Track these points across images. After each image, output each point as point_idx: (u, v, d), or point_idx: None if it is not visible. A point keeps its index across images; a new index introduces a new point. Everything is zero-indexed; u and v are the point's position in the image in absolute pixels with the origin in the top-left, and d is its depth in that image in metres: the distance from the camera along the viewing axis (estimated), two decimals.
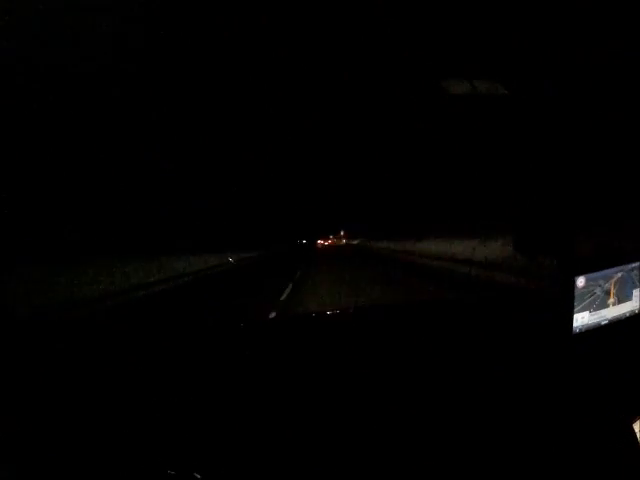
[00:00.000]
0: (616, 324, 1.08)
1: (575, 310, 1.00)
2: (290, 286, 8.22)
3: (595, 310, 1.04)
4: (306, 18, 4.86)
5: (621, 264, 1.05)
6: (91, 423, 0.80)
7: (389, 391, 0.89)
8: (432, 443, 0.75)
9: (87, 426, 0.79)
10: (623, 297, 1.08)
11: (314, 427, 0.79)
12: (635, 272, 1.09)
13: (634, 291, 1.09)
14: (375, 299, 5.51)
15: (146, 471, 0.68)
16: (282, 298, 6.62)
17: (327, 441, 0.75)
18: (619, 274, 1.05)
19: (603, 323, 1.06)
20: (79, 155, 7.05)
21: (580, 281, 1.00)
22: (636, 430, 0.88)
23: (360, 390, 0.91)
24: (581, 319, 1.02)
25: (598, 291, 1.03)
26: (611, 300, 1.06)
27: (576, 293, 1.00)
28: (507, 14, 3.72)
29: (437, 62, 4.80)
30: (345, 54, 5.56)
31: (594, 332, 1.04)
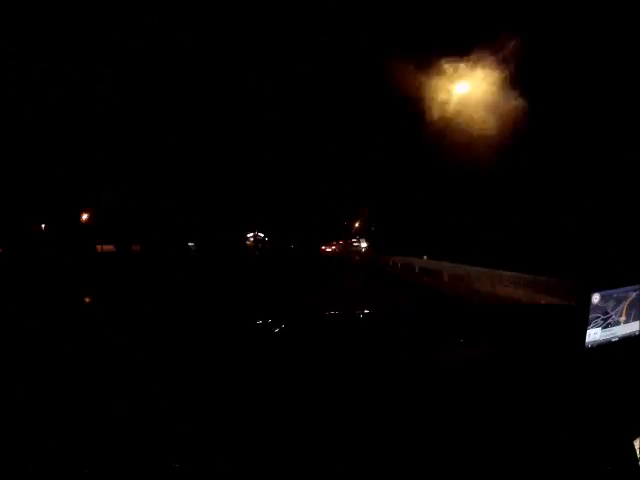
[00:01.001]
0: (625, 341, 1.10)
1: (588, 326, 1.02)
2: None
3: (607, 327, 1.06)
4: None
5: (631, 284, 1.07)
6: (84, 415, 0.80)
7: (396, 397, 0.90)
8: (438, 450, 0.76)
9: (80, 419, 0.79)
10: (634, 315, 1.10)
11: (312, 424, 0.80)
12: None
13: None
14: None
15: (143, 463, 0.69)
16: None
17: (326, 440, 0.75)
18: (633, 293, 1.07)
19: (613, 340, 1.08)
20: None
21: (595, 297, 1.01)
22: (636, 447, 0.90)
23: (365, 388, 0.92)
24: (593, 335, 1.04)
25: (611, 308, 1.05)
26: (622, 318, 1.08)
27: (591, 309, 1.01)
28: None
29: None
30: None
31: (604, 348, 1.06)
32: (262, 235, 56.52)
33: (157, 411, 0.84)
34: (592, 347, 1.04)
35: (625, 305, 1.08)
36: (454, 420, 0.83)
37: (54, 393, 0.92)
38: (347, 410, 0.83)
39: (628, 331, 1.10)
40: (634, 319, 1.10)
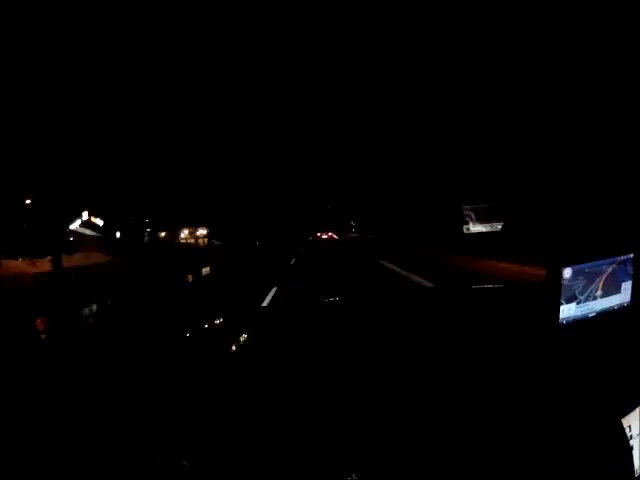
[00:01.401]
0: (605, 317, 1.07)
1: (561, 301, 1.00)
2: None
3: (583, 302, 1.03)
4: None
5: (611, 256, 1.04)
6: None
7: (373, 376, 0.90)
8: (413, 429, 0.75)
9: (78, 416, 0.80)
10: (611, 290, 1.07)
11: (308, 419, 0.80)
12: (627, 265, 1.08)
13: (623, 284, 1.08)
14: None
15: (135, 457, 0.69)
16: None
17: (324, 437, 0.75)
18: (609, 266, 1.05)
19: (590, 315, 1.05)
20: None
21: (567, 272, 0.99)
22: (625, 425, 0.88)
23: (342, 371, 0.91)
24: (567, 311, 1.02)
25: (586, 283, 1.03)
26: (599, 292, 1.05)
27: (563, 284, 0.99)
28: None
29: None
30: None
31: (581, 324, 1.04)
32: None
33: (158, 408, 0.85)
34: (567, 323, 1.02)
35: (602, 279, 1.05)
36: (430, 403, 0.82)
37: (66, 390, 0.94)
38: (347, 408, 0.83)
39: (606, 305, 1.07)
40: (613, 293, 1.08)
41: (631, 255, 1.07)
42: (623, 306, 1.10)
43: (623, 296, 1.09)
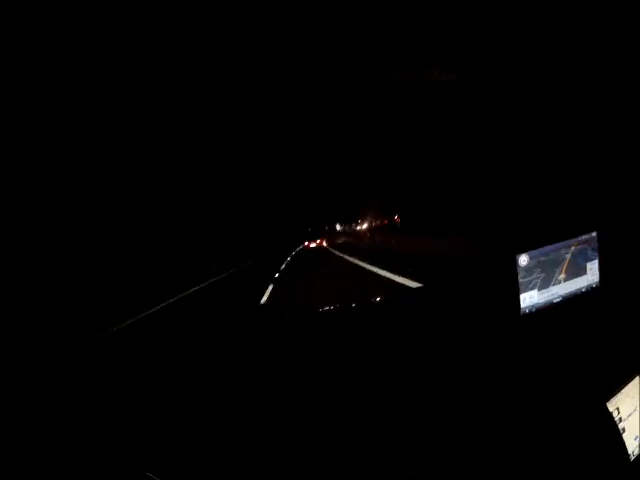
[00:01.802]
0: (572, 300, 1.03)
1: (521, 290, 0.96)
2: None
3: (545, 288, 0.99)
4: None
5: (568, 238, 1.00)
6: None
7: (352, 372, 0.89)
8: (394, 421, 0.74)
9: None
10: (576, 272, 1.02)
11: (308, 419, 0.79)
12: (591, 244, 1.03)
13: (588, 264, 1.03)
14: None
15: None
16: None
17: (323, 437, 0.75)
18: (570, 248, 1.00)
19: (556, 301, 1.01)
20: None
21: (523, 259, 0.96)
22: (610, 409, 0.84)
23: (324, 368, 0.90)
24: (529, 299, 0.98)
25: (545, 268, 0.99)
26: (562, 276, 1.01)
27: (519, 272, 0.96)
28: None
29: None
30: None
31: (547, 311, 1.00)
32: None
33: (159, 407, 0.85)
34: (530, 312, 0.98)
35: (565, 262, 1.01)
36: (403, 395, 0.81)
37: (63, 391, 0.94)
38: (347, 408, 0.82)
39: (572, 289, 1.03)
40: (578, 275, 1.03)
41: (594, 234, 1.03)
42: (592, 287, 1.05)
43: (590, 277, 1.04)
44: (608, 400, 0.83)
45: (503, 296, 0.98)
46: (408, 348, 0.99)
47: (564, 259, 1.01)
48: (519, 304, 0.96)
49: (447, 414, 0.77)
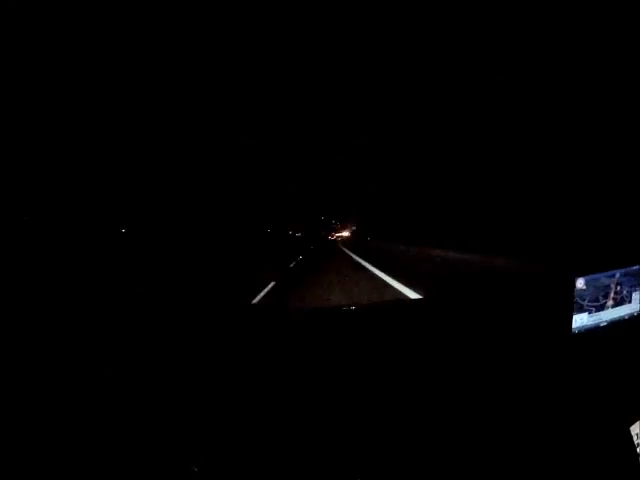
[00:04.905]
0: (615, 326, 1.09)
1: (574, 311, 1.02)
2: None
3: (594, 312, 1.06)
4: None
5: (621, 267, 1.07)
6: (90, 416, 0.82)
7: (389, 386, 0.91)
8: (431, 437, 0.77)
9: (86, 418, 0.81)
10: (622, 300, 1.09)
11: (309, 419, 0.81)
12: (635, 276, 1.10)
13: (634, 294, 1.10)
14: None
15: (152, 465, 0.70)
16: None
17: (323, 437, 0.77)
18: (619, 277, 1.07)
19: (602, 325, 1.07)
20: None
21: (580, 282, 1.02)
22: (633, 433, 0.89)
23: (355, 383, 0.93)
24: (580, 320, 1.04)
25: (597, 293, 1.05)
26: (610, 302, 1.07)
27: (576, 294, 1.02)
28: None
29: None
30: None
31: (593, 333, 1.06)
32: None
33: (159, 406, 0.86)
34: (580, 332, 1.04)
35: (613, 289, 1.08)
36: (446, 408, 0.83)
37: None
38: (348, 409, 0.84)
39: (616, 315, 1.09)
40: (623, 303, 1.10)
41: (636, 267, 1.10)
42: (633, 315, 1.12)
43: (633, 306, 1.11)
44: (632, 424, 0.89)
45: (556, 315, 1.04)
46: (397, 353, 1.03)
47: (611, 287, 1.07)
48: (571, 324, 1.02)
49: (441, 419, 0.81)
